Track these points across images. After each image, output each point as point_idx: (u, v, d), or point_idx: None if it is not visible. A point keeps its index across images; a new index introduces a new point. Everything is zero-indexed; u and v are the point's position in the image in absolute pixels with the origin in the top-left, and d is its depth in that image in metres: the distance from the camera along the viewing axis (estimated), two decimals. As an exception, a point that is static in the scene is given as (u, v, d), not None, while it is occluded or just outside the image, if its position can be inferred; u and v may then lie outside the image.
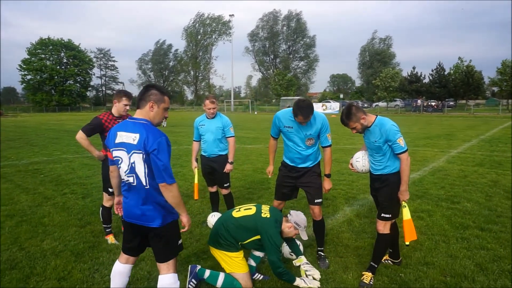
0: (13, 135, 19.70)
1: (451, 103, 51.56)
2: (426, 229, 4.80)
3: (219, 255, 3.42)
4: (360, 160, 3.72)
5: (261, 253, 3.65)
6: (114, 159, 2.67)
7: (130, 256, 2.87)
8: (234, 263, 3.35)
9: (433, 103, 48.11)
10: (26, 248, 4.33)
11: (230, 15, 67.45)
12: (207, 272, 3.40)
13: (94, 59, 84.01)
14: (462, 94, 50.64)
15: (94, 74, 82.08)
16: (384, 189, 3.52)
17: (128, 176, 2.61)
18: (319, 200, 3.91)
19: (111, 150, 2.67)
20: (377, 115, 3.53)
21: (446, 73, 52.62)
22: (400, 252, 3.93)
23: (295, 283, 3.28)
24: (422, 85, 52.84)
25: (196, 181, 5.35)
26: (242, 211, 3.50)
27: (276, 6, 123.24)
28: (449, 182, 7.48)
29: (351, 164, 3.80)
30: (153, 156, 2.48)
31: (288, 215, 3.51)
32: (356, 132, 3.54)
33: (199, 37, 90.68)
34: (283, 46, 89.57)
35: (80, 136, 4.16)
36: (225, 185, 5.05)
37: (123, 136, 2.59)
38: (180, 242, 2.81)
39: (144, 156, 2.51)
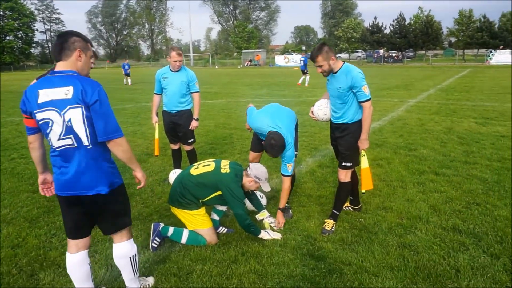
0: None
1: (411, 53, 52.86)
2: (385, 176, 5.03)
3: (180, 213, 3.41)
4: (322, 108, 3.70)
5: (224, 207, 3.67)
6: (41, 123, 2.23)
7: (80, 239, 2.47)
8: (196, 220, 3.36)
9: (393, 54, 49.11)
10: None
11: (184, -39, 63.10)
12: (171, 229, 3.39)
13: (36, 12, 77.06)
14: (421, 45, 51.93)
15: (37, 29, 75.74)
16: (344, 138, 3.56)
17: (64, 140, 2.23)
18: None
19: (34, 113, 2.21)
20: (344, 62, 3.49)
21: (406, 23, 53.39)
22: (360, 199, 4.11)
23: (260, 236, 3.36)
24: (383, 35, 53.52)
25: (156, 136, 5.19)
26: (200, 167, 3.44)
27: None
28: (407, 130, 7.81)
29: (312, 112, 3.79)
30: (96, 108, 2.20)
31: (248, 169, 3.50)
32: (321, 72, 3.45)
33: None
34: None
35: None
36: (189, 141, 4.96)
37: (49, 94, 2.18)
38: (130, 211, 2.60)
39: (84, 110, 2.19)
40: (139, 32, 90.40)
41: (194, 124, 4.86)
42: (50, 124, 2.21)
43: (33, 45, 76.06)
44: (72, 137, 2.22)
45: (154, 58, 78.41)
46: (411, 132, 7.65)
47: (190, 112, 4.91)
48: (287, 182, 3.73)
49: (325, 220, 3.67)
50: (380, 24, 55.06)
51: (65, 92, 2.17)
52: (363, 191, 3.66)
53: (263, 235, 3.39)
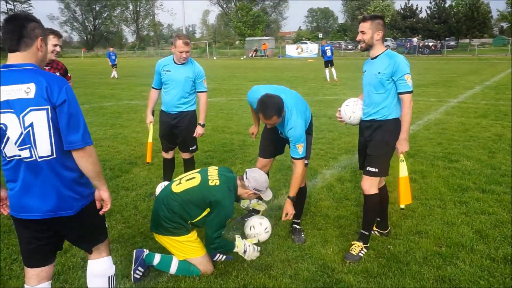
0: None
1: (452, 43, 52.94)
2: (419, 193, 5.02)
3: (167, 241, 3.38)
4: (351, 105, 3.70)
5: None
6: None
7: (41, 267, 2.43)
8: (186, 247, 3.35)
9: (430, 44, 49.16)
10: None
11: None
12: (157, 257, 3.39)
13: (-3, -12, 78.08)
14: (465, 32, 51.97)
15: (-1, 9, 76.71)
16: (376, 138, 3.52)
17: (20, 150, 2.17)
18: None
19: None
20: (387, 49, 3.53)
21: (447, 5, 53.45)
22: (389, 221, 4.10)
23: (235, 250, 3.43)
24: (418, 20, 53.69)
25: (150, 139, 5.17)
26: (183, 182, 3.41)
27: None
28: (447, 137, 7.79)
29: (339, 111, 3.81)
30: (64, 110, 2.15)
31: (244, 178, 3.45)
32: (359, 40, 3.51)
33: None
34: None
35: None
36: (190, 148, 4.97)
37: (4, 92, 2.12)
38: (105, 225, 2.67)
39: (50, 113, 2.15)
40: (122, 15, 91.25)
41: (199, 130, 4.85)
42: (4, 130, 2.15)
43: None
44: (30, 148, 2.17)
45: (139, 46, 79.12)
46: (452, 139, 7.64)
47: (194, 114, 4.89)
48: (299, 166, 3.66)
49: (352, 242, 3.67)
50: (414, 7, 55.26)
51: (25, 90, 2.12)
52: (402, 206, 3.60)
53: (238, 250, 3.42)
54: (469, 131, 8.26)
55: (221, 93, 15.79)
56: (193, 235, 3.40)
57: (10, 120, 2.13)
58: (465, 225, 4.15)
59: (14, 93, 2.11)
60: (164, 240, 3.38)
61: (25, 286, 2.46)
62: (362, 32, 3.46)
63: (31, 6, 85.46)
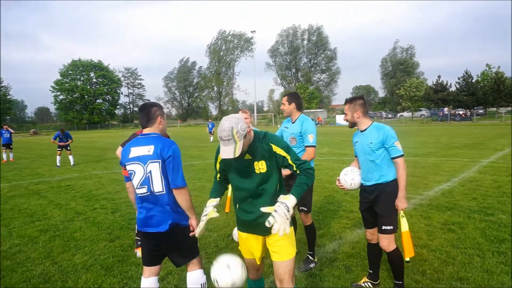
0: (47, 152, 20.50)
1: (481, 111, 49.86)
2: (458, 242, 4.60)
3: (282, 239, 2.50)
4: (349, 173, 3.52)
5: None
6: (129, 173, 2.78)
7: (152, 266, 2.91)
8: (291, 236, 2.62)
9: (461, 112, 46.68)
10: (59, 262, 4.45)
11: (252, 31, 68.23)
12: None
13: (122, 78, 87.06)
14: (491, 102, 48.92)
15: (122, 93, 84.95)
16: (382, 200, 3.28)
17: (141, 187, 2.73)
18: (303, 208, 4.06)
19: (125, 165, 2.80)
20: (373, 121, 3.41)
21: (473, 80, 51.11)
22: (431, 266, 3.78)
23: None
24: (449, 93, 51.49)
25: (229, 194, 5.34)
26: None
27: (296, 22, 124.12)
28: (481, 193, 7.18)
29: (339, 180, 3.60)
30: (169, 162, 2.68)
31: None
32: (345, 120, 3.49)
33: (222, 53, 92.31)
34: (304, 59, 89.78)
35: (119, 151, 4.30)
36: None
37: (137, 151, 2.75)
38: (197, 245, 2.96)
39: (161, 164, 2.69)
40: (209, 94, 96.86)
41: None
42: (133, 175, 2.75)
43: (118, 106, 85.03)
44: (147, 186, 2.71)
45: (221, 118, 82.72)
46: (486, 195, 7.01)
47: None
48: (311, 152, 3.96)
49: None
50: (445, 83, 53.33)
51: (148, 149, 2.71)
52: (407, 259, 3.23)
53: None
54: (502, 187, 7.55)
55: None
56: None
57: (137, 168, 2.73)
58: (504, 274, 3.71)
59: (142, 151, 2.72)
60: (277, 242, 2.51)
61: (142, 277, 2.93)
62: (345, 113, 3.45)
63: (145, 90, 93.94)
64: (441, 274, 3.77)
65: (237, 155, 2.31)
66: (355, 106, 3.36)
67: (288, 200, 2.31)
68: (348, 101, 3.43)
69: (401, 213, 3.23)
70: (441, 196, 7.01)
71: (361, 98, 3.44)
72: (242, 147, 2.35)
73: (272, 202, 2.41)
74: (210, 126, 26.32)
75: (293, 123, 4.19)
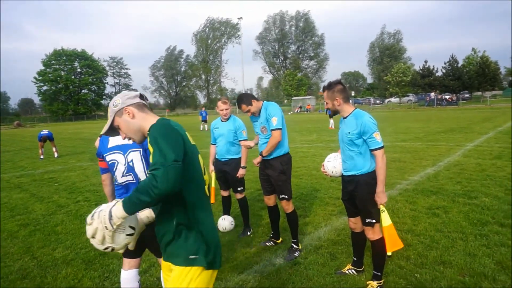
0: (30, 145, 20.09)
1: (466, 95, 50.51)
2: (442, 226, 4.62)
3: None
4: (332, 161, 3.44)
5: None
6: (109, 163, 2.67)
7: (132, 259, 2.80)
8: None
9: (447, 96, 47.20)
10: (38, 257, 4.34)
11: (238, 18, 67.30)
12: None
13: (108, 68, 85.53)
14: (477, 86, 49.63)
15: (108, 83, 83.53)
16: (360, 193, 3.18)
17: (126, 176, 2.66)
18: (284, 196, 4.08)
19: (104, 155, 2.69)
20: (356, 108, 3.28)
21: (459, 65, 51.61)
22: (415, 251, 3.79)
23: None
24: (435, 78, 52.03)
25: (213, 184, 5.24)
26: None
27: (282, 8, 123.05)
28: (466, 176, 7.24)
29: (323, 165, 3.54)
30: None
31: None
32: (326, 108, 3.38)
33: (209, 41, 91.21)
34: (292, 47, 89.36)
35: (98, 142, 4.17)
36: (238, 189, 4.92)
37: (116, 140, 2.65)
38: None
39: (141, 152, 2.64)
40: (197, 83, 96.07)
41: (240, 172, 4.80)
42: (115, 165, 2.65)
43: (104, 97, 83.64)
44: (132, 175, 2.64)
45: (209, 107, 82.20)
46: (470, 178, 7.08)
47: (239, 161, 4.90)
48: (276, 135, 3.92)
49: (367, 282, 3.32)
50: (431, 67, 53.75)
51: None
52: (389, 253, 3.12)
53: None
54: (486, 171, 7.64)
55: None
56: None
57: (118, 157, 2.65)
58: (486, 256, 3.73)
59: (121, 140, 2.55)
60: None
61: (121, 270, 2.81)
62: (325, 102, 3.31)
63: (131, 79, 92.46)
64: (424, 258, 3.77)
65: (103, 131, 2.03)
66: (334, 93, 3.20)
67: (115, 206, 1.75)
68: (326, 88, 3.26)
69: (381, 207, 3.11)
70: (427, 180, 7.05)
71: (339, 83, 3.26)
72: (121, 128, 1.99)
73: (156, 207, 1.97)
74: (204, 114, 26.14)
75: (259, 114, 4.12)
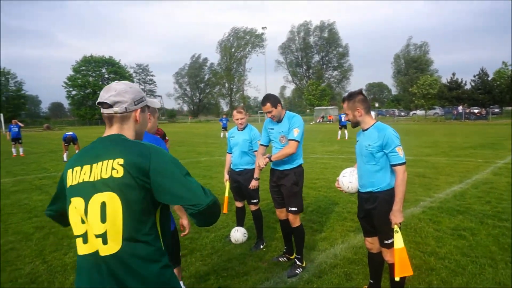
0: (56, 147, 20.63)
1: (496, 110, 48.62)
2: (469, 250, 4.31)
3: None
4: (347, 176, 3.23)
5: None
6: None
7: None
8: None
9: (476, 110, 45.56)
10: (49, 261, 4.32)
11: (263, 28, 67.88)
12: None
13: (134, 74, 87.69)
14: (508, 100, 47.71)
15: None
16: (379, 211, 2.97)
17: None
18: (293, 209, 3.90)
19: None
20: (377, 121, 3.10)
21: (489, 78, 49.92)
22: (438, 276, 3.52)
23: None
24: (464, 91, 50.46)
25: (226, 194, 5.10)
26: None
27: (307, 18, 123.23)
28: (496, 196, 6.82)
29: (338, 180, 3.34)
30: None
31: None
32: (346, 120, 3.21)
33: (233, 50, 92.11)
34: (316, 57, 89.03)
35: None
36: (252, 201, 4.75)
37: None
38: (179, 254, 2.81)
39: None
40: (220, 91, 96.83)
41: (253, 183, 4.56)
42: None
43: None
44: None
45: (231, 114, 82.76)
46: (501, 198, 6.65)
47: (254, 171, 4.72)
48: (292, 145, 3.77)
49: None
50: (459, 80, 52.20)
51: None
52: (397, 278, 2.89)
53: None
54: (518, 191, 7.18)
55: (291, 151, 15.59)
56: None
57: None
58: (518, 286, 3.42)
59: None
60: None
61: None
62: (346, 114, 3.14)
63: (156, 86, 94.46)
64: (449, 285, 3.49)
65: None
66: (355, 104, 3.03)
67: None
68: (347, 99, 3.10)
69: (395, 228, 2.88)
70: (453, 198, 6.69)
71: (360, 93, 3.09)
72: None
73: None
74: (225, 121, 25.85)
75: (280, 121, 3.97)
